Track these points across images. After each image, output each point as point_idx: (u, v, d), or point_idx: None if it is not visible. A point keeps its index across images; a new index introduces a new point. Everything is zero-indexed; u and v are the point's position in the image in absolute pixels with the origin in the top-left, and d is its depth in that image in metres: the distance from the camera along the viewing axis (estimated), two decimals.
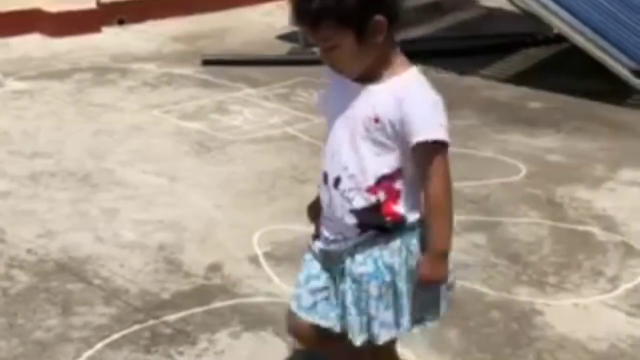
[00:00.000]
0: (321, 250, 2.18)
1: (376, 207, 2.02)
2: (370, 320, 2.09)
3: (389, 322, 2.10)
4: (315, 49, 6.51)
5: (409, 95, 1.94)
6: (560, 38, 6.57)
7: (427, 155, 1.95)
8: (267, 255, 3.36)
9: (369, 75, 1.99)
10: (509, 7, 7.69)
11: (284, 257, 3.36)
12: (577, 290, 3.20)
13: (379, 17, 1.91)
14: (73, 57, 5.98)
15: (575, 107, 5.37)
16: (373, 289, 2.06)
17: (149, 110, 4.98)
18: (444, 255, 2.02)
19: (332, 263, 2.15)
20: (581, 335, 2.90)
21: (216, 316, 2.92)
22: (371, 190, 2.02)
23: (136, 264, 3.24)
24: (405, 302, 2.08)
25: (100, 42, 6.40)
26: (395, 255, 2.05)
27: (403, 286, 2.07)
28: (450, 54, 6.49)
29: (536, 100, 5.53)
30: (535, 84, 5.79)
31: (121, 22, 6.75)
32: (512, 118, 5.17)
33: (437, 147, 1.95)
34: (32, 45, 6.21)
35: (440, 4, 7.89)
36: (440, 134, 1.94)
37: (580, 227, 3.73)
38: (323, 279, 2.17)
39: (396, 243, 2.05)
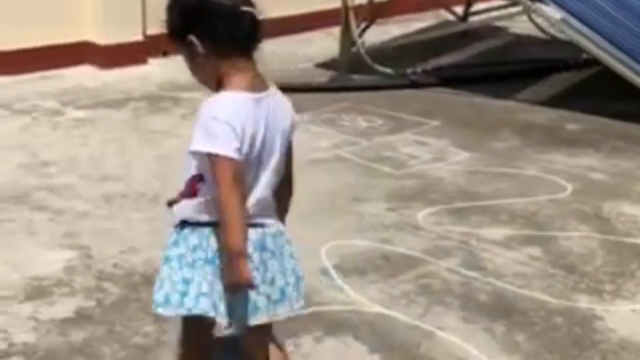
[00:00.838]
0: None
1: (177, 200, 2.29)
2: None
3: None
4: (356, 76, 6.77)
5: (200, 110, 2.15)
6: (589, 62, 6.81)
7: (210, 165, 2.13)
8: (337, 268, 3.57)
9: (215, 92, 2.24)
10: (535, 33, 7.97)
11: (351, 269, 3.57)
12: (633, 297, 3.39)
13: (191, 38, 2.14)
14: (124, 87, 6.22)
15: (611, 128, 5.57)
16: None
17: None
18: (236, 255, 2.12)
19: None
20: None
21: (297, 322, 3.10)
22: (184, 184, 2.26)
23: None
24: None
25: (148, 73, 6.65)
26: (194, 249, 2.25)
27: (193, 275, 2.25)
28: (483, 79, 6.72)
29: (572, 122, 5.74)
30: (569, 106, 6.01)
31: (165, 54, 6.98)
32: (552, 139, 5.38)
33: (212, 159, 2.10)
34: (84, 76, 6.47)
35: (468, 32, 8.12)
36: (204, 147, 2.10)
37: (629, 240, 3.93)
38: None
39: (192, 236, 2.25)
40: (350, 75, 6.63)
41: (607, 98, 6.08)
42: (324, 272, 3.54)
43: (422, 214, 4.17)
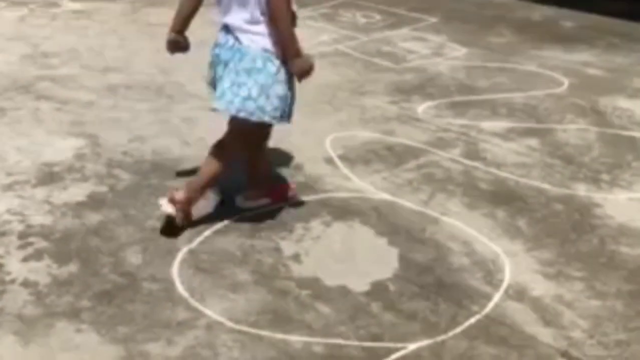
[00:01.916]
0: None
1: None
2: None
3: None
4: None
5: None
6: None
7: None
8: (341, 157, 3.64)
9: None
10: None
11: (356, 158, 3.65)
12: (629, 187, 3.50)
13: None
14: None
15: (607, 26, 5.61)
16: None
17: (208, 27, 5.18)
18: None
19: None
20: (639, 224, 3.21)
21: (306, 208, 3.20)
22: None
23: None
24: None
25: None
26: None
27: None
28: None
29: (568, 19, 5.77)
30: (565, 3, 6.02)
31: None
32: (548, 36, 5.42)
33: None
34: None
35: None
36: None
37: (625, 132, 4.02)
38: None
39: None
40: None
41: None
42: (329, 161, 3.61)
43: (423, 107, 4.24)
